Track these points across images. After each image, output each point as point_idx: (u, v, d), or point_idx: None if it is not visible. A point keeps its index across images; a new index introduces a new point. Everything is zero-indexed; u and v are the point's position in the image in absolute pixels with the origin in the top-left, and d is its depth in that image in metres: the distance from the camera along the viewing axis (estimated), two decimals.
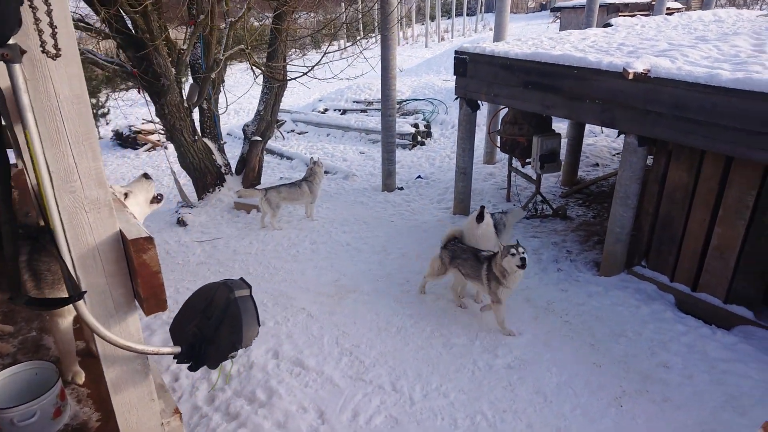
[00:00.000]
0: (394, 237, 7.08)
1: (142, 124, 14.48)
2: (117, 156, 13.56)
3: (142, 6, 5.81)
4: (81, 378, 2.89)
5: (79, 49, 6.66)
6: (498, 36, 9.14)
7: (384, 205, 8.47)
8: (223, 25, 7.42)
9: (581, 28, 10.15)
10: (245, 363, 4.51)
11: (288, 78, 8.27)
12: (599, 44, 6.45)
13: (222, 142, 8.60)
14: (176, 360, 1.86)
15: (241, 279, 1.92)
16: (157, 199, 2.87)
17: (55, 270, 2.52)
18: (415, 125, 12.44)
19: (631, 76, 4.76)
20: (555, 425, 3.77)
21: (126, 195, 2.72)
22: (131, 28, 6.57)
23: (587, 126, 9.94)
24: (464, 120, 7.27)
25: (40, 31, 1.39)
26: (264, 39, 8.74)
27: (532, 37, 7.64)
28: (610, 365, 4.38)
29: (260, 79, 8.26)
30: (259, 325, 1.86)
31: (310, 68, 7.40)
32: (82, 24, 6.74)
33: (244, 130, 8.59)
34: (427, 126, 12.80)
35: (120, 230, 1.75)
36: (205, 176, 8.06)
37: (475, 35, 30.62)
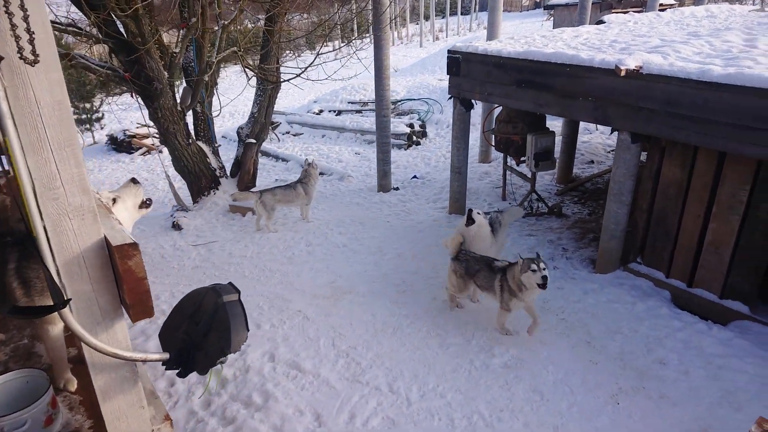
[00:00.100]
0: (390, 237, 7.07)
1: (137, 128, 14.45)
2: (112, 160, 13.52)
3: (132, 9, 5.78)
4: (73, 385, 2.87)
5: (72, 54, 6.63)
6: (491, 35, 9.13)
7: (380, 205, 8.46)
8: (216, 28, 7.40)
9: (574, 25, 10.16)
10: (241, 367, 4.49)
11: (281, 80, 8.25)
12: (592, 41, 6.45)
13: (216, 145, 8.58)
14: (165, 367, 1.84)
15: (230, 283, 1.90)
16: (146, 204, 2.85)
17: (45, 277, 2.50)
18: (411, 125, 12.44)
19: (623, 73, 4.76)
20: (552, 423, 3.76)
21: (114, 200, 2.70)
22: (122, 32, 6.55)
23: (582, 123, 9.95)
24: (458, 119, 7.27)
25: (17, 37, 1.38)
26: (257, 41, 8.72)
27: (524, 36, 7.64)
28: (606, 362, 4.37)
29: (254, 81, 8.24)
30: (248, 330, 1.84)
31: (303, 70, 7.38)
32: (72, 28, 6.71)
33: (238, 133, 8.57)
34: (423, 126, 12.80)
35: (105, 236, 1.74)
36: (200, 179, 8.04)
37: (470, 34, 30.63)
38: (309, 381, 4.31)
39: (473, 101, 7.16)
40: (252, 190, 8.22)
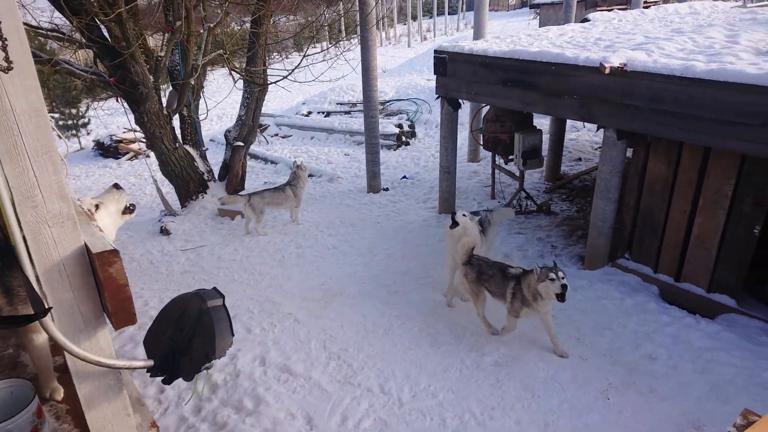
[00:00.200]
0: (380, 238, 7.06)
1: (123, 133, 14.33)
2: (99, 166, 13.41)
3: (114, 13, 5.73)
4: (59, 394, 2.84)
5: (55, 59, 6.56)
6: (477, 34, 9.16)
7: (369, 206, 8.46)
8: (202, 31, 7.36)
9: (560, 23, 10.20)
10: (232, 372, 4.46)
11: (269, 82, 8.22)
12: (576, 40, 6.48)
13: (204, 149, 8.53)
14: (150, 374, 1.83)
15: (214, 288, 1.89)
16: (129, 209, 2.82)
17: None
18: (399, 125, 12.44)
19: (607, 71, 4.79)
20: (543, 420, 3.78)
21: (97, 207, 2.67)
22: (106, 36, 6.49)
23: (569, 121, 10.00)
24: (446, 119, 7.28)
25: None
26: (244, 43, 8.68)
27: (510, 35, 7.67)
28: (596, 358, 4.40)
29: (240, 83, 8.20)
30: (233, 335, 1.83)
31: (290, 72, 7.36)
32: (55, 34, 6.64)
33: (226, 136, 8.53)
34: (411, 126, 12.81)
35: (85, 244, 1.72)
36: (188, 184, 7.99)
37: (458, 34, 30.70)
38: (300, 384, 4.30)
39: (460, 101, 7.17)
40: (240, 193, 8.17)
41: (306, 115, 14.86)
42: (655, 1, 14.69)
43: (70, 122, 16.13)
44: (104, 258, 1.66)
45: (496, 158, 8.01)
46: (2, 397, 2.53)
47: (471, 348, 4.64)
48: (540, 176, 8.94)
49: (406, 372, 4.37)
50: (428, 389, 4.16)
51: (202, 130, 8.81)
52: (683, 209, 5.01)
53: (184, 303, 1.85)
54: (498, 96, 6.22)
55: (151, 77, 7.05)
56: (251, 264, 6.44)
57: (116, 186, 2.91)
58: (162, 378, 1.82)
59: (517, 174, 7.66)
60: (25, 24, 5.95)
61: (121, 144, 14.03)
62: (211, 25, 7.31)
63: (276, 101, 18.17)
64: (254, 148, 11.85)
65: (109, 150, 14.06)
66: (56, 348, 3.14)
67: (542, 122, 9.45)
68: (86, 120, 16.70)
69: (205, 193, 8.18)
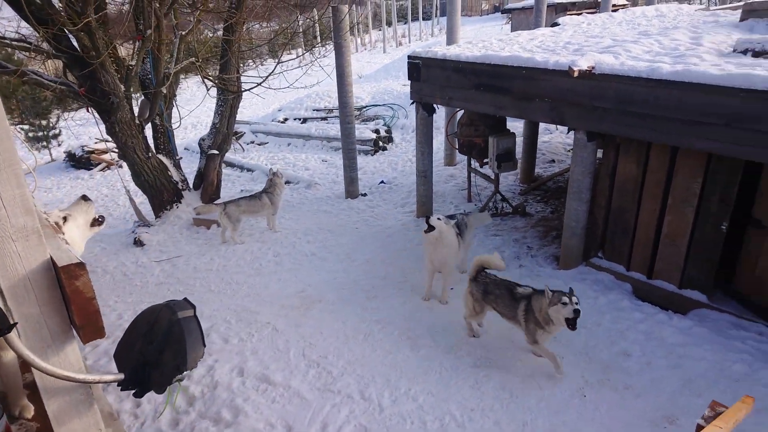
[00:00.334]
0: (359, 244, 7.06)
1: (95, 143, 14.05)
2: (71, 178, 13.12)
3: (83, 23, 5.63)
4: (29, 412, 2.77)
5: (22, 70, 6.42)
6: (450, 39, 9.25)
7: (348, 212, 8.45)
8: (174, 39, 7.28)
9: (531, 28, 10.39)
10: (209, 383, 4.41)
11: (243, 89, 8.17)
12: (546, 44, 6.60)
13: (178, 158, 8.43)
14: (120, 387, 1.80)
15: (185, 299, 1.87)
16: (98, 221, 2.78)
17: None
18: (376, 131, 12.47)
19: (576, 74, 4.89)
20: (521, 419, 3.82)
21: (65, 219, 2.62)
22: (75, 45, 6.38)
23: (542, 124, 10.16)
24: (421, 124, 7.32)
25: None
26: (216, 51, 8.62)
27: (482, 40, 7.77)
28: (571, 356, 4.46)
29: (213, 91, 8.13)
30: (204, 346, 1.81)
31: (264, 79, 7.32)
32: (19, 44, 6.49)
33: (200, 144, 8.44)
34: (388, 131, 12.85)
35: (51, 257, 1.69)
36: (162, 193, 7.87)
37: (432, 39, 30.96)
38: (280, 393, 4.27)
39: (435, 106, 7.23)
40: (216, 202, 8.09)
41: (282, 122, 14.78)
42: (624, 5, 15.04)
43: (40, 134, 15.75)
44: (70, 271, 1.63)
45: (472, 162, 8.09)
46: None
47: (450, 350, 4.67)
48: (515, 179, 9.06)
49: (387, 377, 4.38)
50: (408, 393, 4.17)
51: (176, 139, 8.71)
52: (653, 208, 5.13)
53: (154, 315, 1.83)
54: (471, 100, 6.29)
55: (122, 86, 6.95)
56: (228, 273, 6.37)
57: (84, 198, 2.85)
58: (133, 391, 1.80)
59: (493, 177, 7.75)
60: None
61: (93, 155, 13.75)
62: (183, 33, 7.25)
63: (251, 108, 18.05)
64: (230, 155, 11.74)
65: (80, 161, 13.76)
66: (26, 365, 3.06)
67: (516, 125, 9.56)
68: (57, 131, 16.33)
69: (180, 202, 8.08)
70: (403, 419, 3.92)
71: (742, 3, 7.98)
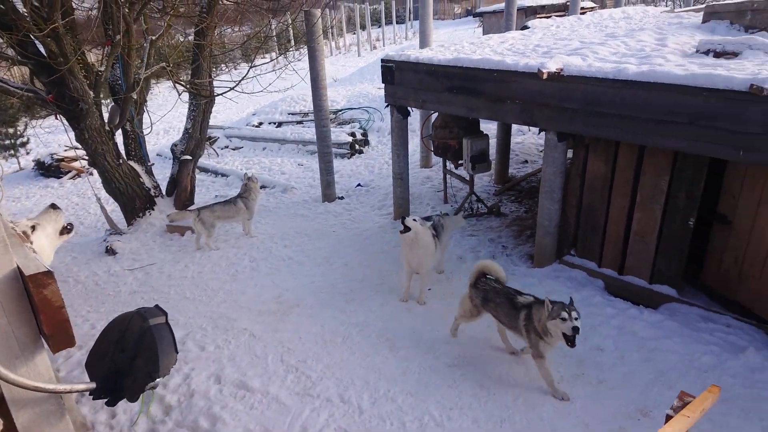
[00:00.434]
0: (337, 247, 7.06)
1: (65, 151, 13.74)
2: (40, 186, 12.79)
3: (49, 28, 5.52)
4: None
5: None
6: (423, 43, 9.32)
7: (325, 215, 8.43)
8: (144, 44, 7.19)
9: (502, 31, 10.53)
10: (185, 392, 4.35)
11: (215, 94, 8.09)
12: (517, 47, 6.71)
13: (150, 164, 8.30)
14: (92, 396, 1.77)
15: (156, 306, 1.85)
16: (67, 229, 2.73)
17: None
18: (352, 134, 12.48)
19: (545, 76, 4.98)
20: (499, 417, 3.87)
21: (33, 228, 2.57)
22: (42, 52, 6.24)
23: (515, 125, 10.30)
24: (396, 126, 7.36)
25: None
26: (188, 55, 8.53)
27: (454, 43, 7.86)
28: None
29: (185, 96, 8.04)
30: (177, 352, 1.80)
31: (236, 83, 7.27)
32: None
33: (172, 150, 8.33)
34: (364, 134, 12.87)
35: (18, 266, 1.66)
36: (134, 201, 7.75)
37: (407, 42, 31.10)
38: (258, 400, 4.24)
39: (410, 108, 7.28)
40: (190, 208, 7.99)
41: (257, 126, 14.68)
42: (592, 7, 15.36)
43: (7, 142, 15.32)
44: (38, 280, 1.61)
45: (447, 163, 8.17)
46: None
47: (428, 350, 4.70)
48: (489, 179, 9.17)
49: (366, 379, 4.39)
50: (388, 394, 4.19)
51: (148, 145, 8.59)
52: (622, 206, 5.26)
53: (125, 322, 1.81)
54: (444, 103, 6.35)
55: (91, 93, 6.82)
56: (203, 280, 6.30)
57: (53, 206, 2.80)
58: (106, 400, 1.77)
59: (468, 178, 7.83)
60: None
61: (63, 162, 13.44)
62: (154, 38, 7.15)
63: (225, 113, 17.88)
64: (203, 161, 11.61)
65: (50, 169, 13.43)
66: None
67: (489, 127, 9.68)
68: (25, 139, 15.90)
69: (153, 209, 7.96)
70: (383, 420, 3.93)
71: (704, 5, 8.24)
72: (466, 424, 3.82)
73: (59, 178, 13.19)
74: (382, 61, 6.99)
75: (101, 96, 7.24)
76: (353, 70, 22.51)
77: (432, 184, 9.36)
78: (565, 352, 4.52)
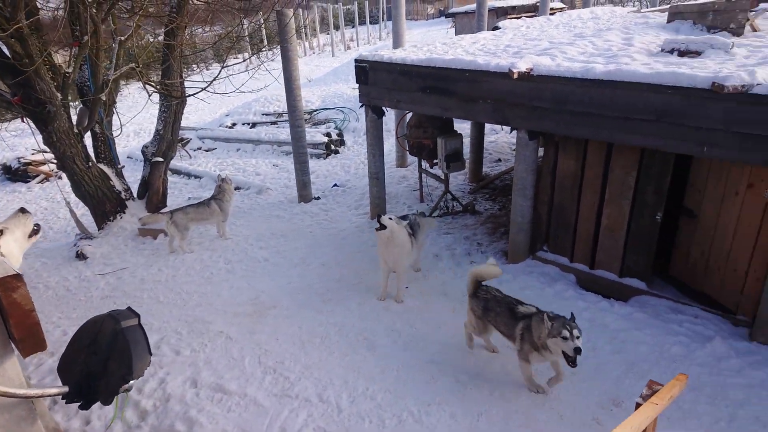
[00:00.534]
0: (313, 247, 7.04)
1: (32, 154, 13.39)
2: (7, 191, 12.43)
3: (13, 28, 5.37)
4: None
5: None
6: (396, 43, 9.37)
7: (301, 216, 8.40)
8: (113, 45, 7.05)
9: (474, 31, 10.65)
10: (161, 397, 4.29)
11: (186, 95, 7.99)
12: (488, 47, 6.80)
13: (120, 166, 8.15)
14: (65, 400, 1.75)
15: (128, 308, 1.84)
16: (34, 231, 2.68)
17: None
18: (328, 134, 12.46)
19: (515, 76, 5.07)
20: (476, 411, 3.93)
21: (1, 232, 2.51)
22: (6, 53, 6.08)
23: (487, 124, 10.43)
24: (371, 126, 7.38)
25: None
26: (158, 56, 8.39)
27: (427, 43, 7.92)
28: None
29: (156, 97, 7.92)
30: (150, 354, 1.79)
31: (208, 84, 7.20)
32: None
33: (143, 152, 8.19)
34: (340, 134, 12.86)
35: None
36: (104, 204, 7.59)
37: (381, 42, 31.15)
38: (235, 402, 4.22)
39: (384, 108, 7.31)
40: (162, 210, 7.87)
41: (230, 127, 14.53)
42: (561, 8, 15.64)
43: None
44: (7, 283, 1.58)
45: (422, 163, 8.22)
46: None
47: (406, 347, 4.74)
48: (464, 178, 9.26)
49: (344, 378, 4.40)
50: (366, 393, 4.21)
51: (117, 147, 8.43)
52: (592, 202, 5.38)
53: (97, 325, 1.79)
54: (418, 103, 6.39)
55: (59, 94, 6.67)
56: (177, 283, 6.22)
57: (22, 210, 2.75)
58: (79, 404, 1.75)
59: (443, 177, 7.90)
60: None
61: (30, 166, 13.08)
62: (122, 39, 7.03)
63: (197, 114, 17.65)
64: (176, 163, 11.44)
65: (17, 173, 13.06)
66: None
67: (463, 126, 9.79)
68: None
69: (124, 212, 7.82)
70: (362, 419, 3.95)
71: (669, 6, 8.47)
72: (444, 419, 3.87)
73: (27, 182, 12.85)
74: (356, 61, 7.01)
75: (69, 98, 7.08)
76: (327, 71, 22.46)
77: (408, 184, 9.41)
78: None
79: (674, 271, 5.41)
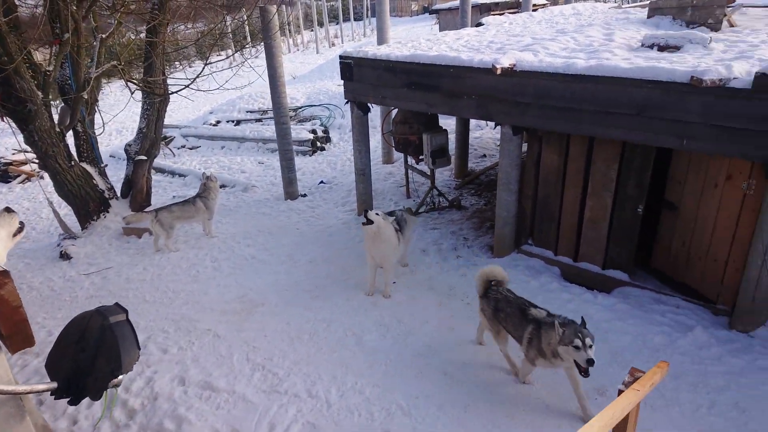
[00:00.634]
0: (301, 244, 7.05)
1: (13, 154, 13.18)
2: None
3: None
4: None
5: None
6: (381, 39, 9.38)
7: (288, 213, 8.39)
8: (94, 42, 6.97)
9: (458, 28, 10.70)
10: (149, 395, 4.28)
11: (169, 92, 7.92)
12: (472, 43, 6.84)
13: (103, 165, 8.07)
14: (54, 396, 1.75)
15: (116, 304, 1.84)
16: (19, 229, 2.66)
17: None
18: (313, 131, 12.44)
19: (499, 72, 5.12)
20: (463, 402, 3.98)
21: None
22: None
23: (473, 120, 10.50)
24: (357, 123, 7.40)
25: None
26: (140, 53, 8.31)
27: (412, 39, 7.94)
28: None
29: (138, 95, 7.84)
30: (139, 348, 1.80)
31: (191, 81, 7.14)
32: None
33: (126, 150, 8.11)
34: (326, 131, 12.84)
35: None
36: (87, 203, 7.51)
37: (365, 39, 31.11)
38: (224, 399, 4.22)
39: (370, 105, 7.32)
40: (147, 209, 7.81)
41: (214, 125, 14.42)
42: (543, 4, 15.77)
43: None
44: None
45: (408, 159, 8.26)
46: None
47: (395, 342, 4.78)
48: (450, 174, 9.32)
49: (333, 373, 4.42)
50: (355, 387, 4.24)
51: (100, 146, 8.34)
52: (575, 195, 5.46)
53: (85, 321, 1.79)
54: (403, 99, 6.42)
55: (40, 93, 6.58)
56: (163, 282, 6.19)
57: (7, 209, 2.73)
58: (68, 399, 1.75)
59: (429, 173, 7.94)
60: None
61: (11, 166, 12.87)
62: (104, 36, 6.94)
63: (181, 111, 17.50)
64: (160, 161, 11.34)
65: None
66: None
67: (448, 122, 9.85)
68: None
69: (107, 212, 7.74)
70: (351, 413, 3.98)
71: (649, 2, 8.58)
72: (432, 411, 3.91)
73: (8, 182, 12.64)
74: (341, 57, 7.01)
75: (50, 96, 6.98)
76: (312, 67, 22.39)
77: (394, 180, 9.44)
78: None
79: (656, 262, 5.52)
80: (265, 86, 9.30)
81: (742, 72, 4.04)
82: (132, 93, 7.56)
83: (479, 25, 9.33)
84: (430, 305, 5.32)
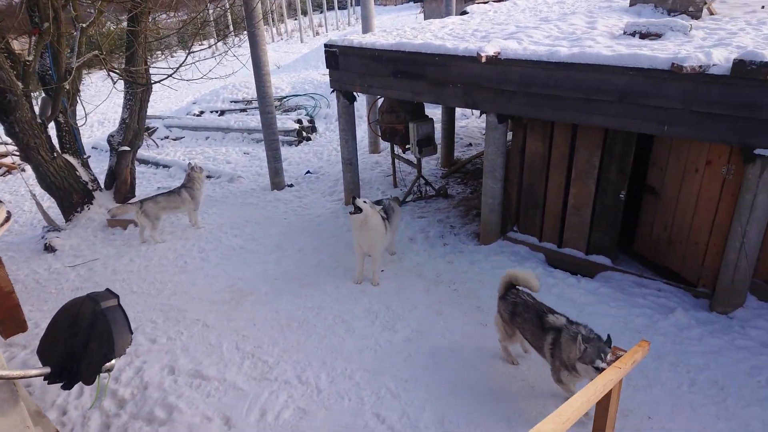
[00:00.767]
0: (289, 234, 7.05)
1: None
2: None
3: None
4: None
5: None
6: (366, 28, 9.35)
7: (275, 203, 8.38)
8: (74, 32, 6.86)
9: (443, 16, 10.70)
10: (138, 385, 4.30)
11: (152, 81, 7.84)
12: (456, 31, 6.86)
13: (86, 156, 7.97)
14: (47, 381, 1.77)
15: (107, 289, 1.86)
16: (6, 218, 2.65)
17: None
18: (299, 121, 12.38)
19: (484, 60, 5.15)
20: (450, 383, 4.06)
21: None
22: None
23: (458, 109, 10.53)
24: (343, 112, 7.39)
25: None
26: (121, 42, 8.19)
27: (397, 28, 7.93)
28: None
29: (121, 85, 7.74)
30: (131, 333, 1.82)
31: (174, 70, 7.07)
32: None
33: (109, 141, 8.02)
34: (311, 121, 12.79)
35: None
36: (71, 195, 7.43)
37: (350, 28, 30.92)
38: (214, 387, 4.25)
39: (356, 93, 7.31)
40: (131, 200, 7.75)
41: (198, 115, 14.28)
42: None
43: None
44: None
45: (395, 148, 8.27)
46: None
47: (384, 328, 4.84)
48: (436, 163, 9.37)
49: (323, 359, 4.47)
50: (345, 372, 4.30)
51: (82, 137, 8.22)
52: (559, 182, 5.54)
53: (76, 307, 1.81)
54: (389, 87, 6.43)
55: (20, 84, 6.47)
56: (150, 273, 6.17)
57: None
58: (61, 384, 1.77)
59: (415, 162, 7.97)
60: None
61: None
62: (84, 26, 6.83)
63: (164, 101, 17.29)
64: (143, 152, 11.22)
65: None
66: None
67: (435, 111, 9.88)
68: None
69: (91, 203, 7.67)
70: (341, 397, 4.04)
71: None
72: (420, 394, 3.98)
73: None
74: (326, 46, 6.98)
75: (30, 87, 6.87)
76: (297, 57, 22.21)
77: (381, 169, 9.47)
78: None
79: (638, 247, 5.63)
80: (250, 76, 9.24)
81: (721, 59, 4.12)
82: (114, 83, 7.47)
83: (464, 13, 9.33)
84: (417, 291, 5.38)
